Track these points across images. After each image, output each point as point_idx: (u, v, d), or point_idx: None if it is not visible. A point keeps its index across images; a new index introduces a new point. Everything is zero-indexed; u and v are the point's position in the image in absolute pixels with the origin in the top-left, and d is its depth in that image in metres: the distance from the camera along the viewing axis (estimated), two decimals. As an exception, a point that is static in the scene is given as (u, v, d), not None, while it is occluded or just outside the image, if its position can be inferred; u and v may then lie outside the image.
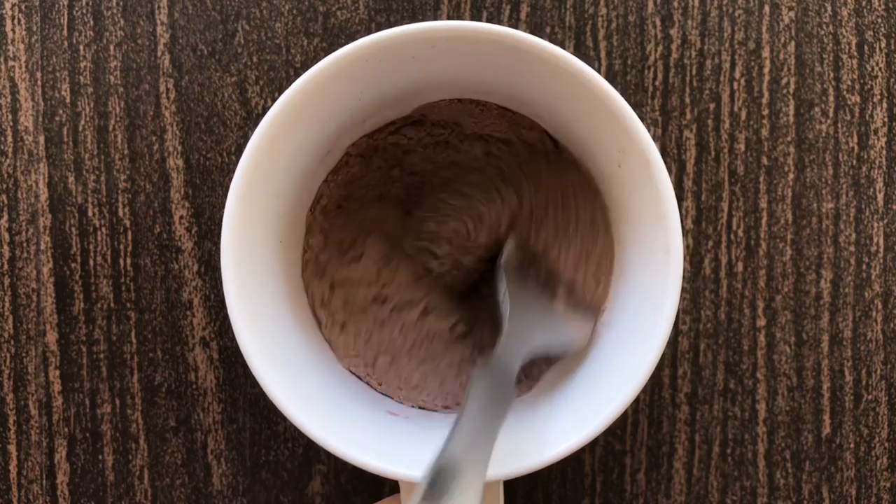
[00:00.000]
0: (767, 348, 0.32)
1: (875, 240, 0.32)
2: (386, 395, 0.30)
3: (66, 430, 0.32)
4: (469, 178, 0.30)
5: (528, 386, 0.30)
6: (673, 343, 0.32)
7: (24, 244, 0.32)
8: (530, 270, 0.29)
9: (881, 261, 0.32)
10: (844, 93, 0.32)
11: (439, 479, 0.22)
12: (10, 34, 0.32)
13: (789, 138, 0.32)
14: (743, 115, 0.32)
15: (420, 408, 0.30)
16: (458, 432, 0.23)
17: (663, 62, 0.32)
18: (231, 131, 0.32)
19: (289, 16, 0.32)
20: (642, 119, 0.32)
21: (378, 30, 0.27)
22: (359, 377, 0.30)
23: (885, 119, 0.32)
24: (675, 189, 0.29)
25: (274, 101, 0.27)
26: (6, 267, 0.32)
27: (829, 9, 0.32)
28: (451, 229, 0.30)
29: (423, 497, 0.21)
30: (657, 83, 0.32)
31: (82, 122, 0.32)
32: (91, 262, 0.32)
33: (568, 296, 0.29)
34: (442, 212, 0.30)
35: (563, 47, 0.29)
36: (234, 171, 0.25)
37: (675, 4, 0.32)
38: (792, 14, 0.32)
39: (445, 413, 0.30)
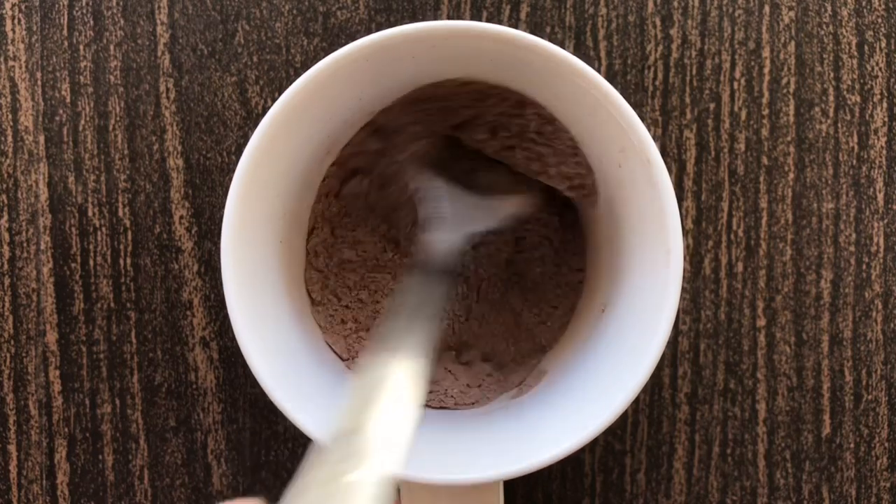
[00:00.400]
0: (767, 348, 0.32)
1: (875, 240, 0.32)
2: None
3: (66, 430, 0.32)
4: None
5: (529, 386, 0.30)
6: (673, 343, 0.32)
7: (24, 244, 0.32)
8: (454, 158, 0.29)
9: (881, 261, 0.32)
10: (844, 93, 0.32)
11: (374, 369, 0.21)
12: (10, 34, 0.32)
13: (789, 138, 0.32)
14: (743, 114, 0.32)
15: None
16: (393, 326, 0.23)
17: (663, 62, 0.32)
18: (231, 131, 0.32)
19: (289, 16, 0.32)
20: (642, 119, 0.32)
21: (378, 30, 0.27)
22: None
23: (885, 119, 0.32)
24: (675, 189, 0.29)
25: (274, 101, 0.27)
26: (6, 267, 0.32)
27: (829, 9, 0.32)
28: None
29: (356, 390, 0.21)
30: (657, 83, 0.32)
31: (82, 122, 0.32)
32: (91, 262, 0.32)
33: (503, 171, 0.29)
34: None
35: (563, 47, 0.29)
36: (234, 171, 0.25)
37: (675, 4, 0.32)
38: (792, 14, 0.32)
39: (444, 411, 0.30)
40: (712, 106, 0.32)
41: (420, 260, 0.25)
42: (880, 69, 0.32)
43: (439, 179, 0.29)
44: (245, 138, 0.32)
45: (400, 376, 0.21)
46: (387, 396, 0.20)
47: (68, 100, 0.32)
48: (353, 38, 0.26)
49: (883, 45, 0.32)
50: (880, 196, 0.32)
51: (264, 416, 0.32)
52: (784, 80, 0.32)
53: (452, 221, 0.27)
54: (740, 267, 0.32)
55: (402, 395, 0.21)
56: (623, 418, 0.32)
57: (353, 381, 0.21)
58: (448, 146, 0.30)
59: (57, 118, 0.32)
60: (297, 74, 0.29)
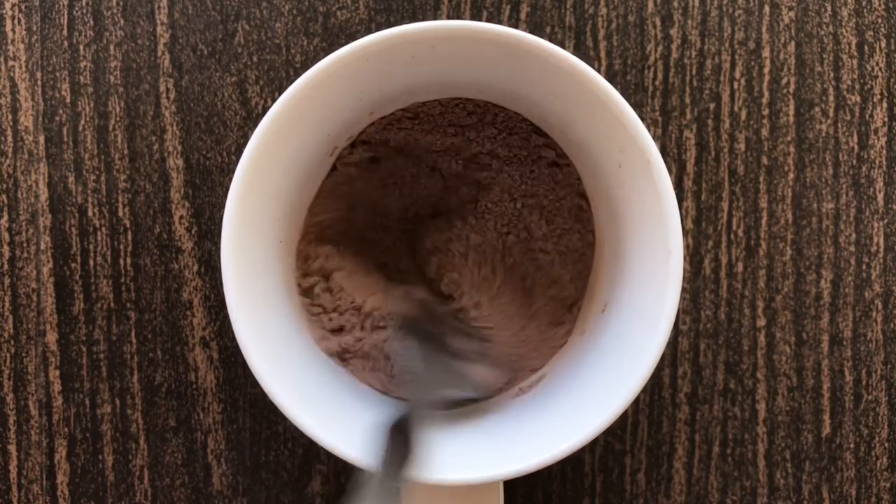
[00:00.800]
0: (767, 348, 0.32)
1: (875, 240, 0.32)
2: (386, 393, 0.30)
3: (66, 430, 0.32)
4: (451, 194, 0.30)
5: (529, 386, 0.30)
6: (673, 343, 0.32)
7: (24, 244, 0.32)
8: (434, 322, 0.30)
9: (881, 261, 0.32)
10: (844, 93, 0.32)
11: None
12: (10, 34, 0.32)
13: (789, 138, 0.32)
14: (743, 115, 0.32)
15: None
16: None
17: (663, 62, 0.32)
18: (231, 131, 0.32)
19: (289, 16, 0.32)
20: (642, 119, 0.32)
21: (378, 30, 0.27)
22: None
23: (885, 119, 0.32)
24: (675, 189, 0.29)
25: (274, 101, 0.27)
26: (6, 267, 0.32)
27: (829, 9, 0.32)
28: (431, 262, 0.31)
29: None
30: (657, 83, 0.32)
31: (82, 122, 0.32)
32: (91, 262, 0.32)
33: (478, 341, 0.29)
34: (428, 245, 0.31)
35: (563, 47, 0.29)
36: (234, 171, 0.25)
37: (675, 4, 0.32)
38: (792, 14, 0.32)
39: (444, 411, 0.30)
40: (712, 106, 0.32)
41: (390, 424, 0.25)
42: (880, 69, 0.32)
43: (413, 338, 0.29)
44: (245, 138, 0.32)
45: None
46: None
47: (68, 100, 0.32)
48: (353, 38, 0.26)
49: (883, 45, 0.32)
50: (880, 196, 0.32)
51: (264, 416, 0.32)
52: (784, 80, 0.32)
53: (425, 381, 0.27)
54: (740, 267, 0.32)
55: None
56: (623, 418, 0.32)
57: None
58: (423, 307, 0.30)
59: (57, 118, 0.32)
60: (297, 74, 0.29)
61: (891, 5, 0.32)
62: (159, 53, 0.32)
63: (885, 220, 0.32)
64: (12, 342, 0.32)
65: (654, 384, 0.32)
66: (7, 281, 0.32)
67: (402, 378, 0.28)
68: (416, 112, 0.29)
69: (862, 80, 0.32)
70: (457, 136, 0.30)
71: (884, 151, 0.32)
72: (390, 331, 0.29)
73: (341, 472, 0.32)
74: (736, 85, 0.32)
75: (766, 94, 0.32)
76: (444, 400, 0.28)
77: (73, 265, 0.32)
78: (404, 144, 0.30)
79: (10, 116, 0.32)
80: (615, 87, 0.25)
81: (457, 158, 0.30)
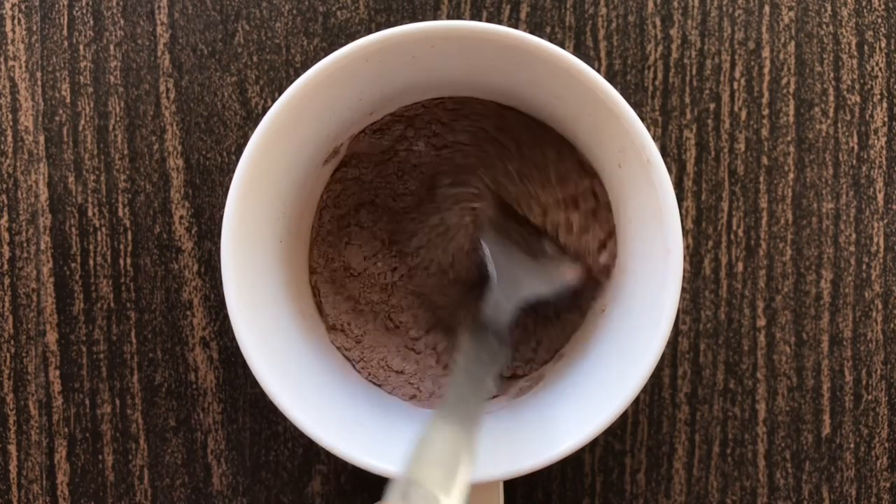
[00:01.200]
0: (767, 348, 0.32)
1: (875, 240, 0.32)
2: (381, 386, 0.30)
3: (66, 430, 0.32)
4: (463, 163, 0.30)
5: (529, 386, 0.30)
6: (673, 343, 0.32)
7: (24, 244, 0.32)
8: (511, 224, 0.30)
9: (881, 261, 0.32)
10: (844, 93, 0.32)
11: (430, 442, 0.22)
12: (10, 34, 0.32)
13: (789, 138, 0.32)
14: (743, 115, 0.32)
15: (412, 397, 0.30)
16: (451, 394, 0.24)
17: (663, 62, 0.32)
18: (231, 131, 0.32)
19: (289, 16, 0.32)
20: (642, 119, 0.32)
21: (378, 30, 0.27)
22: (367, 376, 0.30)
23: (885, 119, 0.32)
24: (675, 189, 0.29)
25: (274, 101, 0.27)
26: (6, 267, 0.32)
27: (829, 9, 0.32)
28: (455, 215, 0.30)
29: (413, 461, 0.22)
30: (657, 83, 0.32)
31: (82, 122, 0.32)
32: (91, 262, 0.32)
33: (551, 241, 0.30)
34: (444, 205, 0.30)
35: (563, 47, 0.29)
36: (234, 171, 0.25)
37: (675, 4, 0.32)
38: (792, 14, 0.32)
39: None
40: (712, 106, 0.32)
41: (476, 321, 0.26)
42: (880, 69, 0.32)
43: (495, 241, 0.29)
44: (245, 138, 0.32)
45: (458, 440, 0.22)
46: (447, 458, 0.22)
47: (68, 100, 0.32)
48: (353, 38, 0.26)
49: (883, 45, 0.32)
50: (880, 196, 0.32)
51: (264, 416, 0.32)
52: (784, 80, 0.32)
53: (506, 285, 0.28)
54: (740, 267, 0.32)
55: (460, 459, 0.22)
56: (623, 418, 0.32)
57: (419, 436, 0.22)
58: (503, 210, 0.30)
59: (57, 118, 0.32)
60: (297, 74, 0.29)
61: (891, 5, 0.32)
62: (159, 53, 0.32)
63: (885, 220, 0.32)
64: (12, 342, 0.32)
65: (654, 384, 0.32)
66: (7, 281, 0.32)
67: (484, 284, 0.29)
68: (401, 114, 0.30)
69: (862, 80, 0.32)
70: (438, 136, 0.30)
71: (884, 151, 0.32)
72: (473, 233, 0.30)
73: (341, 472, 0.32)
74: (736, 85, 0.32)
75: (766, 94, 0.32)
76: (525, 299, 0.28)
77: (73, 265, 0.32)
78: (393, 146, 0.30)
79: (10, 116, 0.32)
80: (615, 87, 0.25)
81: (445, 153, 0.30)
